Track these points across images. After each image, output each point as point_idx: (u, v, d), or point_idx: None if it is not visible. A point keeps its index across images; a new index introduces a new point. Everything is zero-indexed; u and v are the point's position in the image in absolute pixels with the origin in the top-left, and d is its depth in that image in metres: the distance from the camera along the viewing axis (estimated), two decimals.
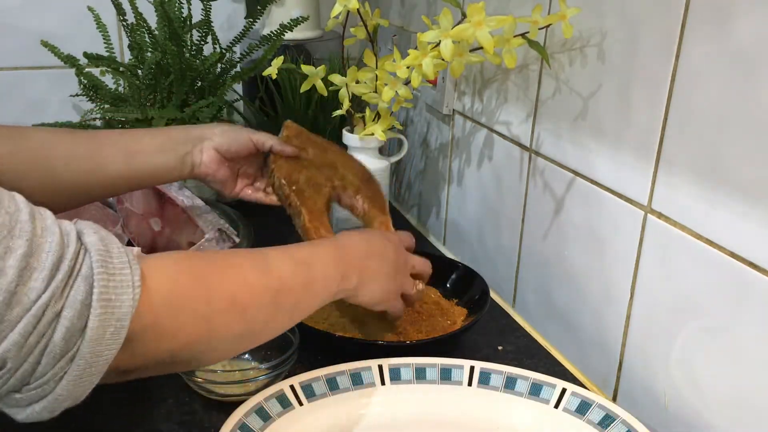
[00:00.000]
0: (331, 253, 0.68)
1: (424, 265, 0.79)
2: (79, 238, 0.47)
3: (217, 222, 0.91)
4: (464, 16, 0.80)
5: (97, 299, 0.45)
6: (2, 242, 0.42)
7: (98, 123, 1.12)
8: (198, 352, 0.55)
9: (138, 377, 0.52)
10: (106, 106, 1.09)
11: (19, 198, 0.45)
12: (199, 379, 0.71)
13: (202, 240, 0.88)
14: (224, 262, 0.58)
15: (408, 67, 0.85)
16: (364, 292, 0.70)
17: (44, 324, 0.43)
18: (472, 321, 0.82)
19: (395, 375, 0.73)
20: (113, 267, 0.47)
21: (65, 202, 0.76)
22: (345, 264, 0.68)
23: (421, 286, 0.80)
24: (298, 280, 0.62)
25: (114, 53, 1.12)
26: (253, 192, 0.89)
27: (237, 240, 0.92)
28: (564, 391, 0.71)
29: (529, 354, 0.84)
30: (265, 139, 0.85)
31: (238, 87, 1.23)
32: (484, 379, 0.73)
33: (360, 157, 0.99)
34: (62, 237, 0.45)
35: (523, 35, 0.79)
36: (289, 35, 1.14)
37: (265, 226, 0.96)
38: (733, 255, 0.61)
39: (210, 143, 0.81)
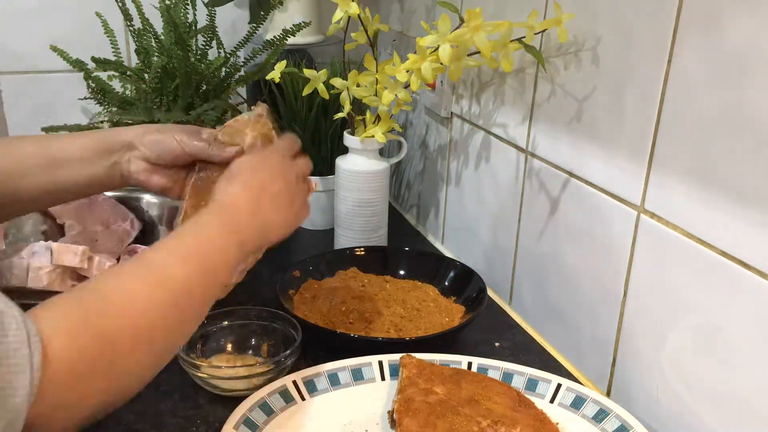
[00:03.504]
0: (217, 227, 0.60)
1: (307, 163, 0.74)
2: None
3: None
4: (462, 21, 0.80)
5: None
6: None
7: (106, 125, 1.14)
8: (110, 405, 0.50)
9: None
10: (114, 109, 1.11)
11: None
12: (204, 375, 0.72)
13: None
14: (113, 291, 0.51)
15: (407, 71, 0.86)
16: (271, 238, 0.66)
17: None
18: (469, 318, 0.83)
19: (395, 370, 0.74)
20: (7, 348, 0.40)
21: None
22: (237, 229, 0.61)
23: (315, 185, 0.77)
24: (195, 279, 0.55)
25: (121, 57, 1.13)
26: None
27: None
28: (559, 386, 0.72)
29: (526, 350, 0.84)
30: (191, 142, 0.73)
31: (242, 90, 1.24)
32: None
33: (360, 158, 1.00)
34: None
35: (519, 40, 0.80)
36: (291, 40, 1.15)
37: None
38: (724, 254, 0.61)
39: (137, 153, 0.72)
